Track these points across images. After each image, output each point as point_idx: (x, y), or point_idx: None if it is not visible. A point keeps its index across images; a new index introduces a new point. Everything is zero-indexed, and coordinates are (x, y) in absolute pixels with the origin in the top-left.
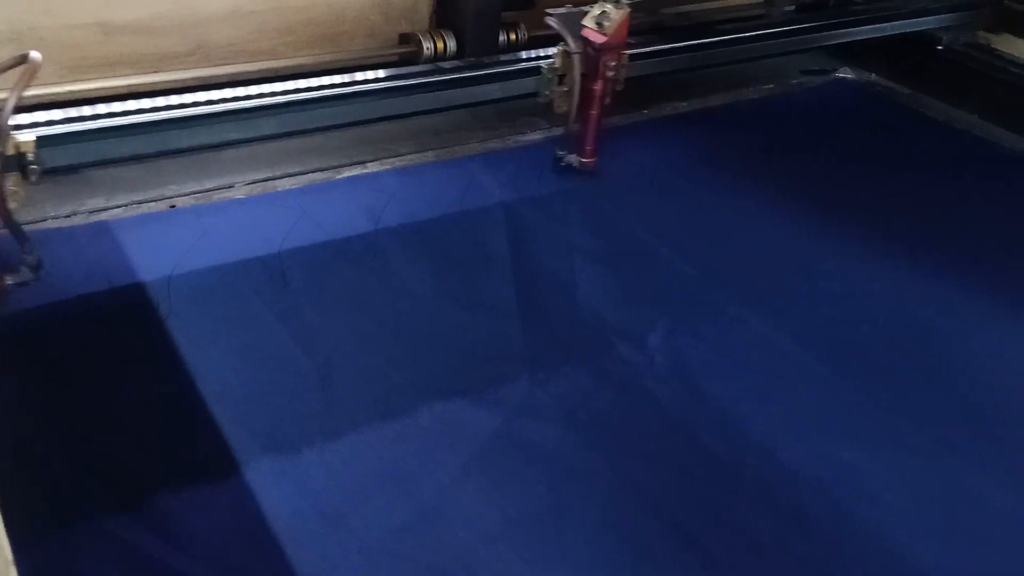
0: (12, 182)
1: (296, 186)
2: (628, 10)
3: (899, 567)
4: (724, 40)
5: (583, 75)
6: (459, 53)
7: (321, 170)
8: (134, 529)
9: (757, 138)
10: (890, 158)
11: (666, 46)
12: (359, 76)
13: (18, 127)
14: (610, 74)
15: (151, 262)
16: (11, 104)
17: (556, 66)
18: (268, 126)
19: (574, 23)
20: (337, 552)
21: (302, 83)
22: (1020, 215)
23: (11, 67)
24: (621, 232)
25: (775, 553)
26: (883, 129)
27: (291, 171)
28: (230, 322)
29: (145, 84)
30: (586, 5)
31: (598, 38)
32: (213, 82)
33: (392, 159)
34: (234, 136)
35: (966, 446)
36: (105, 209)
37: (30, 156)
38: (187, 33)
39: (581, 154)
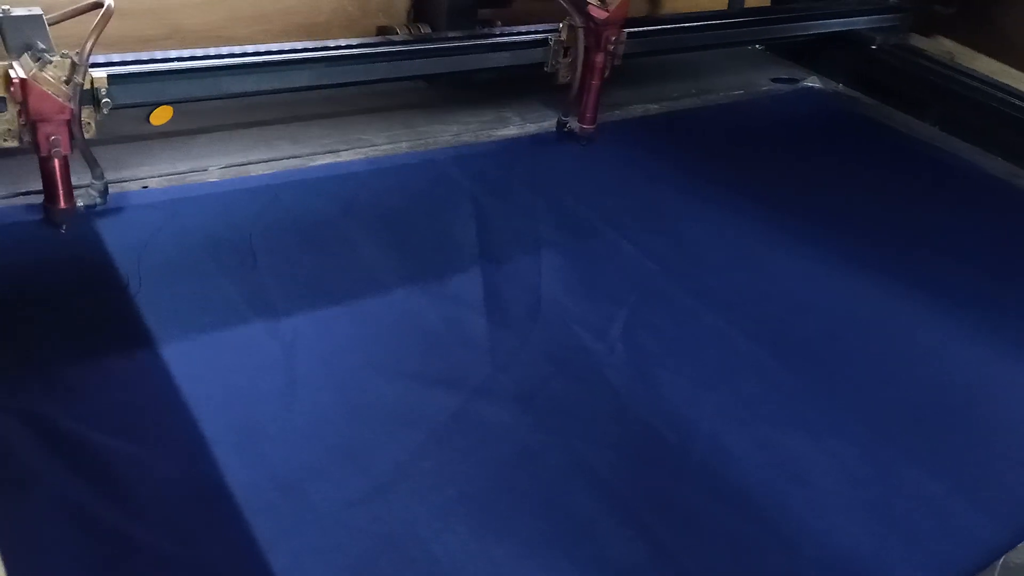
0: (86, 114)
1: (269, 172)
2: None
3: (832, 547)
4: (694, 27)
5: (585, 48)
6: None
7: (294, 157)
8: (91, 497)
9: (722, 141)
10: (848, 165)
11: (655, 27)
12: (394, 37)
13: (94, 65)
14: (611, 48)
15: (122, 240)
16: (90, 44)
17: (562, 39)
18: (302, 78)
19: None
20: (292, 522)
21: (331, 42)
22: (968, 223)
23: (85, 11)
24: (583, 225)
25: (716, 532)
26: (845, 136)
27: (264, 157)
28: (198, 301)
29: None
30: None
31: (600, 14)
32: None
33: (365, 149)
34: (275, 85)
35: (901, 437)
36: (78, 187)
37: (103, 91)
38: (161, 17)
39: (582, 121)
